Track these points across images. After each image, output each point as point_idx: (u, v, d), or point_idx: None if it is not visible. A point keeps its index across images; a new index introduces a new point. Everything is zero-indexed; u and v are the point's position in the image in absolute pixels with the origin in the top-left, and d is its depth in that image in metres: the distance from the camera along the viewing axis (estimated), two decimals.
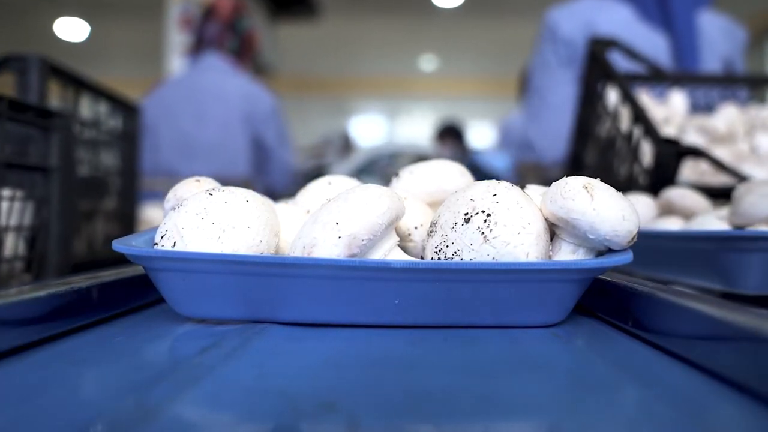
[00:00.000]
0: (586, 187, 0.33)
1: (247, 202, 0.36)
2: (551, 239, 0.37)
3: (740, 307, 0.27)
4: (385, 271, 0.33)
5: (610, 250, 0.36)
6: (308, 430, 0.20)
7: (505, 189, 0.35)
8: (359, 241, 0.33)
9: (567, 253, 0.36)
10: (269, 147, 1.89)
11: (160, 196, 1.72)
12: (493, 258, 0.33)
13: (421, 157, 3.51)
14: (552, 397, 0.24)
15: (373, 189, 0.34)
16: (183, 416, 0.21)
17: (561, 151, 1.34)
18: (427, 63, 5.63)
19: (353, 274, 0.33)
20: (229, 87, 1.81)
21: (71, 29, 5.15)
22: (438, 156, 3.54)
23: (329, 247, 0.33)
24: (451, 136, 3.56)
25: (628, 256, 0.34)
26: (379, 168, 3.64)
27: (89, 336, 0.34)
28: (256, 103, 1.83)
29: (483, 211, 0.34)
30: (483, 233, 0.34)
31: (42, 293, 0.32)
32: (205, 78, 1.81)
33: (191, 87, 1.81)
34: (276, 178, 1.95)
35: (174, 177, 1.69)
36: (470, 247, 0.34)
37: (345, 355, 0.30)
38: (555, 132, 1.40)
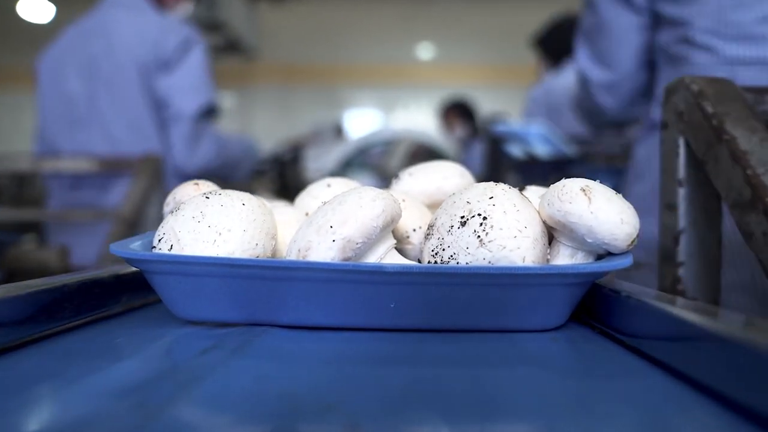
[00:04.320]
0: (584, 190, 0.35)
1: (244, 205, 0.38)
2: (550, 242, 0.39)
3: (731, 315, 0.28)
4: (378, 274, 0.34)
5: (609, 254, 0.38)
6: (308, 431, 0.22)
7: (502, 192, 0.37)
8: (353, 244, 0.35)
9: (565, 257, 0.38)
10: (171, 104, 1.36)
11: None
12: (489, 262, 0.35)
13: (420, 144, 3.40)
14: (550, 399, 0.26)
15: (368, 192, 0.36)
16: (183, 417, 0.23)
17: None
18: (425, 51, 5.63)
19: (347, 278, 0.35)
20: (128, 30, 1.35)
21: (36, 10, 5.11)
22: (446, 139, 3.27)
23: (324, 250, 0.35)
24: (459, 114, 3.22)
25: (627, 260, 0.36)
26: (372, 157, 3.48)
27: (89, 335, 0.36)
28: (157, 45, 1.34)
29: (479, 215, 0.36)
30: (479, 237, 0.36)
31: (38, 290, 0.34)
32: (106, 20, 1.37)
33: (86, 33, 1.37)
34: (187, 154, 1.40)
35: (57, 156, 1.35)
36: (466, 251, 0.36)
37: (344, 357, 0.32)
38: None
